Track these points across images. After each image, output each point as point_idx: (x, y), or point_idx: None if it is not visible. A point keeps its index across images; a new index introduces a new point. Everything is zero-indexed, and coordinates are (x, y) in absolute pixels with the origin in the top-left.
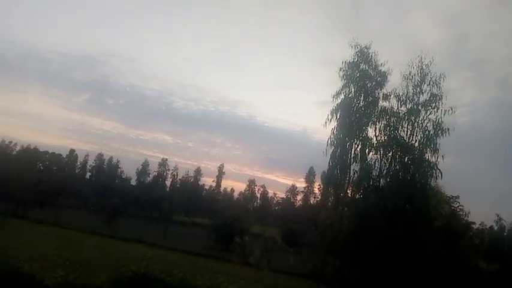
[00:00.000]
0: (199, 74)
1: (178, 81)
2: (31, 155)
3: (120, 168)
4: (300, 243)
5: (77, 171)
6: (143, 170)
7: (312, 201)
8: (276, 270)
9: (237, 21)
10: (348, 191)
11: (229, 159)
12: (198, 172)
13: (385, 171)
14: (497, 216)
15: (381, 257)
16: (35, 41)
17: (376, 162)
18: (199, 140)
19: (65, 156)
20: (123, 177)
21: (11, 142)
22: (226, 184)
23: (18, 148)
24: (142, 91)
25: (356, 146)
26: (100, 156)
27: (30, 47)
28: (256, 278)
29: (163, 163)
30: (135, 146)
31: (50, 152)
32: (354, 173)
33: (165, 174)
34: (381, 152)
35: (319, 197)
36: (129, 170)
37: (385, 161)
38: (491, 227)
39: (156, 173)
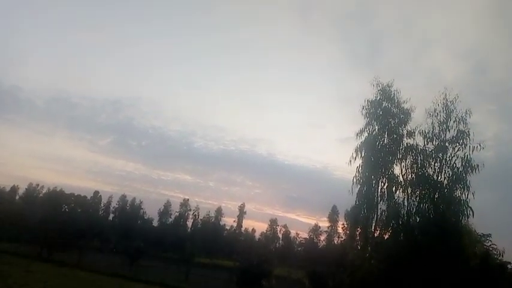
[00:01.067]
0: (219, 114)
1: (199, 121)
2: (57, 197)
3: (142, 209)
4: (327, 286)
5: (100, 212)
6: (165, 211)
7: (336, 241)
8: None
9: (256, 62)
10: (376, 231)
11: (250, 198)
12: (219, 212)
13: (414, 209)
14: None
15: None
16: (65, 87)
17: (405, 201)
18: (220, 179)
19: (89, 198)
20: (146, 218)
21: (37, 185)
22: (247, 224)
23: (44, 190)
24: (165, 132)
25: (383, 184)
26: (123, 198)
27: (59, 93)
28: None
29: (184, 203)
30: (156, 187)
31: (76, 194)
32: (382, 212)
33: (186, 214)
34: (409, 190)
35: (344, 236)
36: (151, 211)
37: (414, 199)
38: None
39: (177, 214)
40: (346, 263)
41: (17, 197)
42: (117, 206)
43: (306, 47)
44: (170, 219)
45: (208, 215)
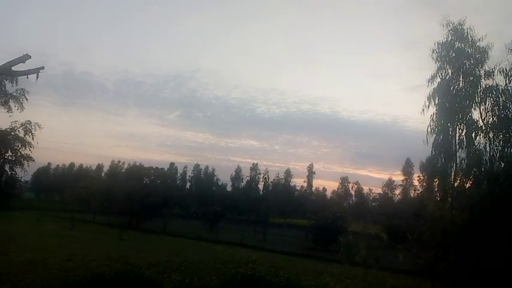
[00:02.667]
0: (278, 76)
1: (259, 87)
2: (138, 171)
3: (215, 176)
4: (405, 239)
5: (178, 182)
6: (236, 176)
7: (412, 194)
8: (383, 268)
9: (312, 18)
10: (456, 181)
11: (318, 158)
12: (288, 174)
13: (497, 155)
14: None
15: (502, 249)
16: (129, 67)
17: (486, 146)
18: (285, 142)
19: (166, 170)
20: (220, 184)
21: (119, 161)
22: (317, 184)
23: (125, 166)
24: (227, 101)
25: (460, 131)
26: (197, 167)
27: (125, 74)
28: (362, 276)
29: (254, 168)
30: (226, 154)
31: (154, 166)
32: (461, 160)
33: (257, 178)
34: (491, 134)
35: (420, 189)
36: (224, 177)
37: (497, 144)
38: None
39: (248, 178)
40: (425, 215)
41: (103, 174)
42: (192, 175)
43: None
44: (242, 184)
45: (277, 177)
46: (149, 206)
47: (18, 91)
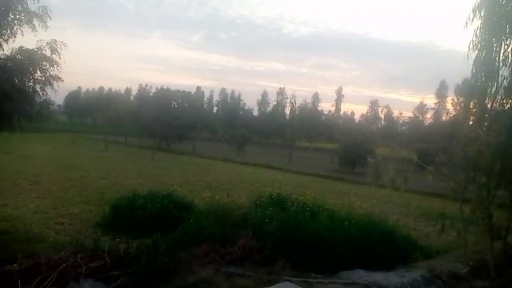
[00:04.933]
0: None
1: (285, 3)
2: (165, 94)
3: (242, 100)
4: (436, 162)
5: (205, 106)
6: (263, 101)
7: (445, 118)
8: (411, 190)
9: None
10: (496, 102)
11: (347, 81)
12: (315, 98)
13: None
14: None
15: None
16: None
17: None
18: (313, 64)
19: (193, 94)
20: (246, 108)
21: (146, 85)
22: (346, 108)
23: (153, 90)
24: (252, 20)
25: (506, 46)
26: (223, 91)
27: None
28: (389, 197)
29: (280, 92)
30: (252, 78)
31: (181, 90)
32: (503, 79)
33: (283, 102)
34: None
35: (454, 112)
36: (250, 102)
37: None
38: None
39: (275, 102)
40: (458, 137)
41: (131, 98)
42: (219, 99)
43: None
44: (269, 108)
45: (304, 101)
46: (178, 129)
47: (41, 9)
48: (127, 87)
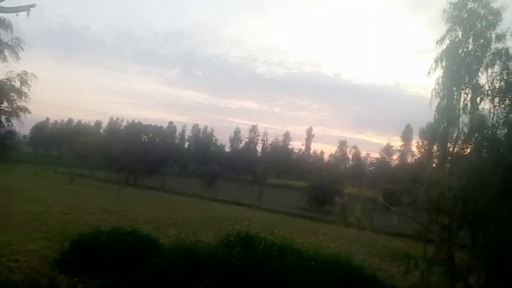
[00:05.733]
0: (280, 35)
1: (260, 45)
2: (136, 128)
3: (214, 136)
4: (401, 203)
5: (176, 141)
6: (235, 137)
7: (410, 160)
8: (377, 230)
9: None
10: (456, 146)
11: (317, 121)
12: (286, 136)
13: (501, 120)
14: None
15: (497, 214)
16: (128, 21)
17: (491, 112)
18: (285, 104)
19: (165, 128)
20: (218, 144)
21: (118, 118)
22: (316, 147)
23: (124, 123)
24: (227, 60)
25: (466, 95)
26: (196, 126)
27: (124, 28)
28: (355, 237)
29: (253, 129)
30: (225, 115)
31: (152, 124)
32: (464, 126)
33: (255, 139)
34: (496, 99)
35: (418, 155)
36: (222, 138)
37: (502, 110)
38: None
39: (247, 139)
40: (422, 179)
41: (101, 131)
42: (191, 134)
43: None
44: (241, 145)
45: (276, 139)
46: (148, 163)
47: (14, 40)
48: (97, 120)
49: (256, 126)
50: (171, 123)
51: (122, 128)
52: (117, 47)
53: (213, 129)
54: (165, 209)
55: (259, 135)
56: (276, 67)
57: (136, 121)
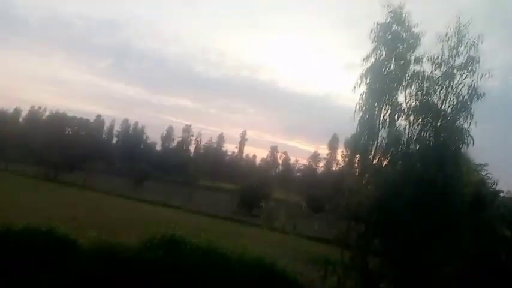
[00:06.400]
0: (220, 36)
1: (199, 44)
2: (60, 120)
3: (145, 133)
4: (323, 209)
5: (103, 136)
6: (168, 136)
7: (334, 168)
8: (301, 235)
9: None
10: (375, 158)
11: (252, 125)
12: (220, 138)
13: (415, 137)
14: None
15: (407, 223)
16: (57, 4)
17: (406, 128)
18: (221, 106)
19: (92, 122)
20: (149, 142)
21: (40, 108)
22: (249, 150)
23: (47, 113)
24: (163, 55)
25: (385, 111)
26: (126, 122)
27: (52, 11)
28: (280, 241)
29: (187, 129)
30: (158, 112)
31: (78, 117)
32: (382, 140)
33: (189, 140)
34: (411, 117)
35: (342, 164)
36: (154, 136)
37: (416, 127)
38: None
39: (180, 139)
40: (343, 187)
41: (20, 119)
42: (120, 130)
43: None
44: (173, 144)
45: (210, 141)
46: (70, 158)
47: None
48: (16, 107)
49: (190, 125)
50: (99, 116)
51: (44, 118)
52: (43, 30)
53: (144, 126)
54: (87, 208)
55: (192, 135)
56: (213, 68)
57: (60, 112)
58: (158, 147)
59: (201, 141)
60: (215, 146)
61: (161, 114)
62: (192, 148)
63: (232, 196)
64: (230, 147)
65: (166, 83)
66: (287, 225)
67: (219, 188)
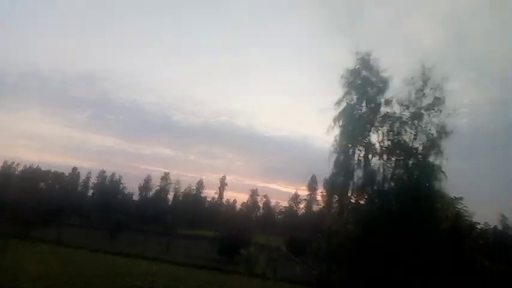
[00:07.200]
0: (197, 85)
1: (176, 94)
2: (34, 174)
3: (122, 184)
4: (305, 252)
5: (79, 189)
6: (145, 185)
7: (315, 209)
8: (282, 279)
9: (234, 33)
10: (352, 197)
11: (231, 170)
12: (200, 185)
13: (389, 175)
14: (502, 216)
15: (387, 262)
16: (34, 60)
17: (380, 168)
18: (200, 152)
19: (67, 175)
20: (126, 192)
21: (13, 162)
22: (229, 195)
23: (20, 168)
24: (141, 105)
25: (359, 152)
26: (102, 173)
27: (29, 66)
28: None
29: (165, 177)
30: (136, 161)
31: (53, 170)
32: (358, 179)
33: (167, 188)
34: (385, 157)
35: (322, 204)
36: (132, 186)
37: (389, 166)
38: (495, 226)
39: (158, 187)
40: (323, 229)
41: None
42: (96, 181)
43: (285, 16)
44: (151, 193)
45: (189, 187)
46: (43, 213)
47: None
48: None
49: (168, 173)
50: (74, 169)
51: (17, 173)
52: (19, 85)
53: (121, 176)
54: (59, 265)
55: (171, 183)
56: (192, 115)
57: (34, 166)
58: (136, 197)
59: (179, 188)
60: (194, 192)
61: (139, 163)
62: (170, 196)
63: (212, 244)
64: (210, 193)
65: (145, 132)
66: (268, 271)
67: (199, 235)
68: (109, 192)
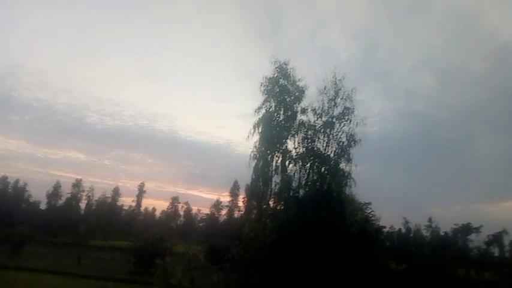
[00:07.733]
0: (115, 86)
1: (92, 94)
2: None
3: (27, 191)
4: (224, 259)
5: None
6: (54, 192)
7: (236, 215)
8: None
9: (156, 34)
10: (270, 203)
11: (151, 176)
12: (116, 192)
13: (304, 181)
14: (405, 219)
15: (301, 266)
16: None
17: (296, 174)
18: (117, 157)
19: None
20: (31, 201)
21: None
22: (148, 203)
23: None
24: (52, 106)
25: (277, 158)
26: (4, 179)
27: None
28: None
29: (77, 184)
30: (44, 167)
31: None
32: (276, 185)
33: (79, 195)
34: (300, 163)
35: (243, 210)
36: (39, 193)
37: (304, 172)
38: (400, 229)
39: (69, 195)
40: (242, 235)
41: None
42: None
43: (208, 22)
44: (60, 202)
45: (104, 195)
46: None
47: None
48: None
49: (81, 180)
50: None
51: None
52: None
53: (26, 183)
54: None
55: (83, 191)
56: (109, 118)
57: None
58: (43, 206)
59: (93, 196)
60: (109, 200)
61: (48, 169)
62: (83, 204)
63: (127, 255)
64: (127, 201)
65: (55, 135)
66: (184, 281)
67: (114, 246)
68: (12, 200)
